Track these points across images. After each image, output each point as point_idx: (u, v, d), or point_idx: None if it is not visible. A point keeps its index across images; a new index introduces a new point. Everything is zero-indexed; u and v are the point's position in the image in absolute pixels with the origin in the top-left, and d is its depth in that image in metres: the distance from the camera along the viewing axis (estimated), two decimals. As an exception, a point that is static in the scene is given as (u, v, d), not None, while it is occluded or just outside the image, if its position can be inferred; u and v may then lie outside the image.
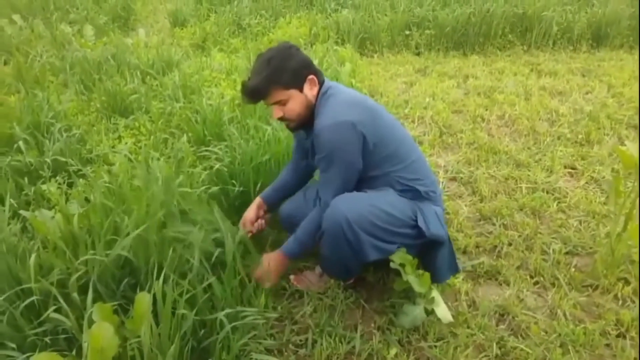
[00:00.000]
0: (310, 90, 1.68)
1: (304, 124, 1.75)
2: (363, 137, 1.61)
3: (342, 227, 1.58)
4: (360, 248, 1.61)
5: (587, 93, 3.92)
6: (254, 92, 1.66)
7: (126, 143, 2.74)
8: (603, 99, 3.75)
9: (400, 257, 1.66)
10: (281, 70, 1.62)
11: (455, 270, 1.83)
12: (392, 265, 1.67)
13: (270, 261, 1.82)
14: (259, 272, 1.81)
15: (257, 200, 2.03)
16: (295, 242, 1.80)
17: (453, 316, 1.74)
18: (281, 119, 1.72)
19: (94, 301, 1.38)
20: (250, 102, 1.74)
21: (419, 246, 1.71)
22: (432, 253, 1.74)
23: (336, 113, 1.61)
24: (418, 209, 1.69)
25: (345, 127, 1.58)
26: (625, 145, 1.93)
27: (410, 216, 1.67)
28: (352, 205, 1.60)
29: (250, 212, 2.00)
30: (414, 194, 1.71)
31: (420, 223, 1.66)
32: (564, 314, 1.80)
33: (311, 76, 1.67)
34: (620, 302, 1.86)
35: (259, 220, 2.02)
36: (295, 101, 1.67)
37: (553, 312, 1.82)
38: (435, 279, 1.77)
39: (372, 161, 1.66)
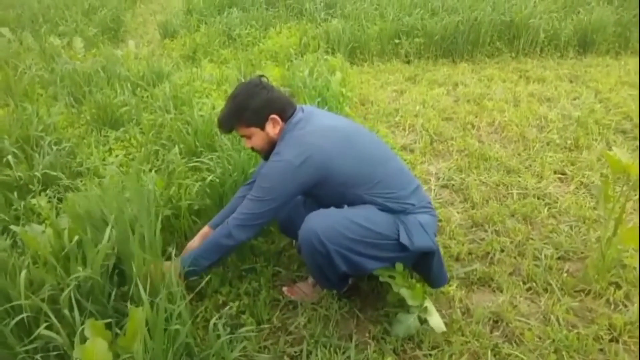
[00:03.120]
0: (272, 129, 1.73)
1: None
2: (309, 174, 1.63)
3: (312, 241, 1.60)
4: (331, 260, 1.62)
5: (575, 99, 3.97)
6: (221, 125, 1.76)
7: (117, 155, 2.72)
8: (591, 104, 3.79)
9: (384, 271, 1.67)
10: (243, 109, 1.70)
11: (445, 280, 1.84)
12: (381, 279, 1.68)
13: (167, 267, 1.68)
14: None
15: (205, 230, 1.89)
16: (190, 258, 1.70)
17: (446, 324, 1.74)
18: (252, 149, 1.81)
19: (85, 317, 1.37)
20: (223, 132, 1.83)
21: (411, 258, 1.71)
22: (425, 261, 1.74)
23: (288, 149, 1.64)
24: (400, 222, 1.66)
25: (287, 166, 1.62)
26: (613, 150, 1.95)
27: (393, 230, 1.65)
28: (323, 220, 1.62)
29: (195, 243, 1.84)
30: (389, 210, 1.68)
31: (403, 239, 1.64)
32: (557, 320, 1.81)
33: (273, 115, 1.71)
34: (612, 306, 1.88)
35: None
36: (257, 137, 1.75)
37: (546, 318, 1.83)
38: (434, 285, 1.84)
39: (328, 188, 1.68)
